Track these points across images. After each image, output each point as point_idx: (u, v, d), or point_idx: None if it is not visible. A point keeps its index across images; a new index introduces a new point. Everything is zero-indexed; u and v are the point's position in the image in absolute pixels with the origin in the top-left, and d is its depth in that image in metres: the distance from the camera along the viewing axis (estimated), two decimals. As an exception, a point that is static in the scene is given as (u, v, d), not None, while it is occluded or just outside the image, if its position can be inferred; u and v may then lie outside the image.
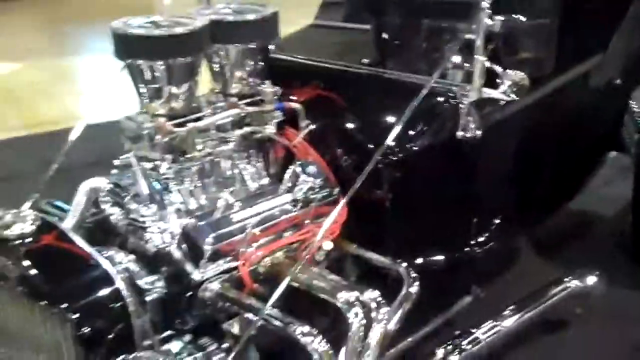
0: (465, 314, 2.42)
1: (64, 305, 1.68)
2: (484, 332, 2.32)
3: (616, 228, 3.28)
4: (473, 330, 2.29)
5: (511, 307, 2.45)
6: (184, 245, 1.89)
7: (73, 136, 2.27)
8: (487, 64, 2.06)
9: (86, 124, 2.31)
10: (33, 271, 1.72)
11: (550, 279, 2.64)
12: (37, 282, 1.73)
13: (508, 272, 2.66)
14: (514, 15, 2.07)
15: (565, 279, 2.61)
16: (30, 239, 1.78)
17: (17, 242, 1.77)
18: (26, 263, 1.74)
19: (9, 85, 6.86)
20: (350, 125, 2.20)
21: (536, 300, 2.51)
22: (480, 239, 2.44)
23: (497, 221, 2.50)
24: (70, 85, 6.89)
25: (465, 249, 2.41)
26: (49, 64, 7.41)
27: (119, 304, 1.74)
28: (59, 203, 2.18)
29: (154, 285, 1.86)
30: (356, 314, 1.83)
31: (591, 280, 2.62)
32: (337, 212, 1.98)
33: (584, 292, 2.62)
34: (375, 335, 1.84)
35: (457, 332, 2.29)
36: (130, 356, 1.65)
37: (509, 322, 2.40)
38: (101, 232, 1.99)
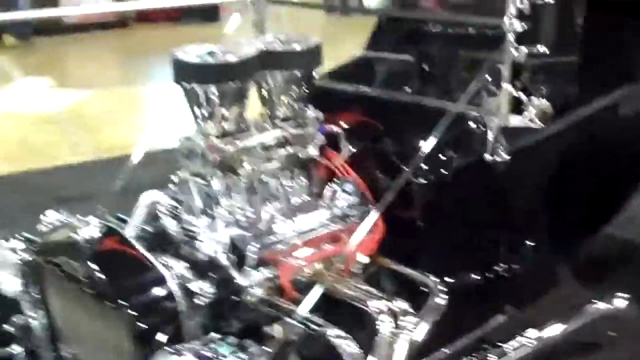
0: (496, 333, 2.51)
1: (125, 304, 1.88)
2: (514, 348, 2.41)
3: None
4: (501, 345, 2.39)
5: (542, 326, 2.50)
6: (231, 254, 2.07)
7: (135, 160, 2.49)
8: (514, 92, 2.21)
9: (149, 149, 2.51)
10: (98, 273, 1.94)
11: (582, 301, 2.68)
12: (102, 283, 1.94)
13: (540, 293, 2.70)
14: (539, 47, 2.19)
15: (598, 301, 2.65)
16: (96, 244, 1.99)
17: (85, 245, 1.99)
18: (93, 265, 1.95)
19: (81, 112, 7.22)
20: (387, 148, 2.36)
21: (568, 321, 2.55)
22: (513, 260, 2.55)
23: (530, 243, 2.60)
24: (138, 113, 7.22)
25: (498, 270, 2.52)
26: (117, 92, 7.75)
27: (172, 305, 1.93)
28: (121, 215, 2.38)
29: (204, 289, 2.01)
30: (385, 321, 1.97)
31: (623, 303, 2.66)
32: (372, 227, 2.13)
33: (617, 314, 2.65)
34: (402, 342, 1.98)
35: (486, 346, 2.39)
36: (178, 346, 1.81)
37: (539, 340, 2.45)
38: (158, 240, 2.17)
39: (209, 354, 1.80)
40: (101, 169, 5.21)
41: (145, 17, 11.39)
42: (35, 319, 2.36)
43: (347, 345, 1.87)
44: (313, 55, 2.30)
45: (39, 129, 6.73)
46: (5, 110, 7.21)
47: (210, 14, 10.89)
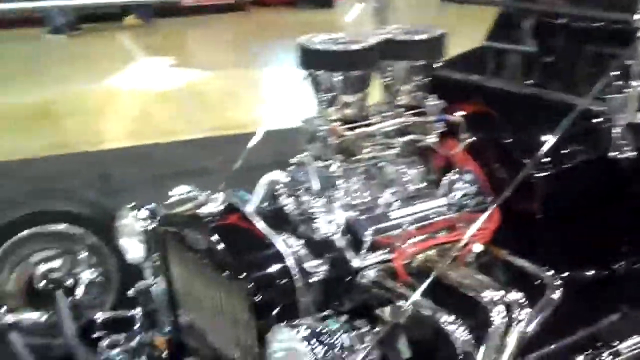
0: (611, 330, 2.46)
1: (243, 276, 1.96)
2: (627, 347, 2.36)
3: None
4: (615, 344, 2.34)
5: None
6: (347, 236, 2.12)
7: (255, 139, 2.57)
8: None
9: (267, 130, 2.59)
10: (219, 245, 2.02)
11: None
12: (221, 255, 2.02)
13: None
14: None
15: None
16: (218, 218, 2.07)
17: (207, 219, 2.07)
18: (214, 238, 2.04)
19: (201, 91, 7.43)
20: (507, 140, 2.34)
21: None
22: (632, 258, 2.49)
23: None
24: (255, 93, 7.37)
25: (615, 266, 2.47)
26: (235, 73, 7.94)
27: (288, 281, 1.99)
28: (241, 192, 2.47)
29: (318, 268, 2.06)
30: (499, 312, 1.96)
31: None
32: (487, 217, 2.13)
33: None
34: (514, 335, 1.97)
35: (599, 344, 2.34)
36: (294, 322, 1.87)
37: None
38: (276, 219, 2.24)
39: (322, 330, 1.84)
40: (219, 145, 5.39)
41: (262, 1, 11.63)
42: (156, 285, 2.49)
43: (459, 332, 1.88)
44: (437, 45, 2.32)
45: (160, 105, 6.99)
46: (128, 87, 7.51)
47: (324, 0, 11.12)
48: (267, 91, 7.47)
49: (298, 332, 1.81)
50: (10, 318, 2.75)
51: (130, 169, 5.21)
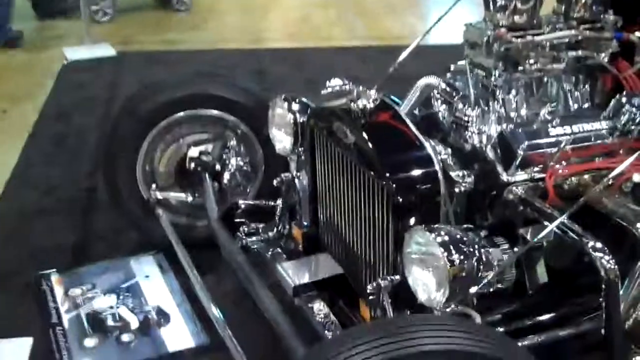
0: None
1: (387, 176, 1.93)
2: None
3: None
4: None
5: None
6: (498, 149, 2.05)
7: (408, 51, 2.49)
8: None
9: (422, 44, 2.51)
10: (367, 142, 1.99)
11: None
12: (368, 152, 1.99)
13: None
14: None
15: None
16: (369, 114, 2.04)
17: (358, 115, 2.04)
18: (363, 134, 2.01)
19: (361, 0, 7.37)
20: None
21: None
22: None
23: None
24: (415, 8, 7.22)
25: None
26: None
27: (432, 186, 1.94)
28: (393, 97, 2.42)
29: (464, 179, 2.00)
30: (651, 246, 1.87)
31: None
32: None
33: None
34: (663, 272, 1.87)
35: None
36: (434, 226, 1.84)
37: None
38: (428, 124, 2.19)
39: (461, 238, 1.80)
40: (374, 55, 5.34)
41: None
42: (299, 178, 2.51)
43: (605, 260, 1.79)
44: None
45: (321, 11, 6.99)
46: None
47: None
48: (427, 6, 7.31)
49: (437, 236, 1.77)
50: (159, 195, 2.87)
51: (285, 69, 5.28)
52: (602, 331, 1.89)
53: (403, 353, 1.39)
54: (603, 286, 1.80)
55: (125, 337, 2.54)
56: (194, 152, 2.88)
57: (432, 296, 1.79)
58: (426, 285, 1.80)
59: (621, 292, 1.85)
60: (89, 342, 2.51)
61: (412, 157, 1.97)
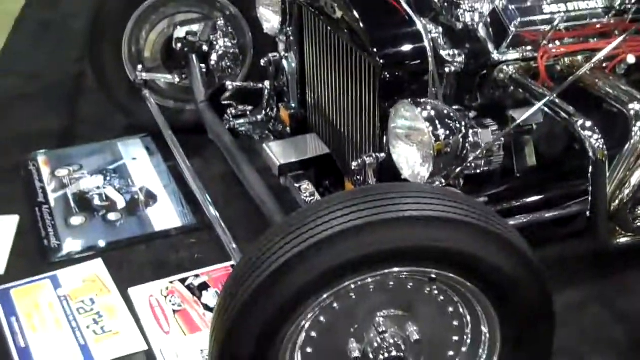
0: None
1: (374, 50, 1.88)
2: None
3: None
4: None
5: None
6: (490, 27, 1.99)
7: None
8: None
9: None
10: (355, 17, 1.92)
11: None
12: (356, 27, 1.93)
13: None
14: None
15: None
16: None
17: None
18: (353, 11, 1.94)
19: None
20: None
21: None
22: None
23: None
24: None
25: None
26: None
27: (421, 63, 1.88)
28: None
29: (455, 58, 1.95)
30: (641, 127, 1.83)
31: None
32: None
33: None
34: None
35: None
36: (421, 100, 1.79)
37: None
38: (418, 2, 2.08)
39: (448, 114, 1.76)
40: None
41: None
42: (287, 59, 2.46)
43: (594, 139, 1.76)
44: None
45: None
46: None
47: None
48: None
49: (423, 110, 1.74)
50: (145, 76, 2.82)
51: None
52: (587, 213, 1.89)
53: (382, 218, 1.37)
54: (590, 167, 1.79)
55: (112, 216, 2.54)
56: (180, 32, 2.81)
57: (416, 171, 1.77)
58: (410, 160, 1.78)
59: (608, 175, 1.84)
60: (75, 220, 2.51)
61: (401, 32, 1.91)
